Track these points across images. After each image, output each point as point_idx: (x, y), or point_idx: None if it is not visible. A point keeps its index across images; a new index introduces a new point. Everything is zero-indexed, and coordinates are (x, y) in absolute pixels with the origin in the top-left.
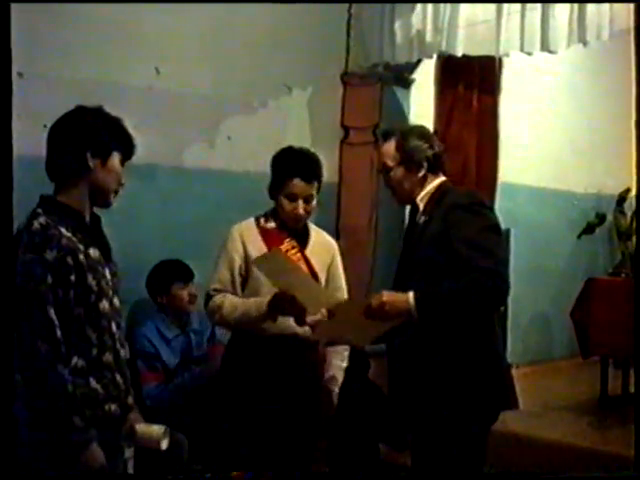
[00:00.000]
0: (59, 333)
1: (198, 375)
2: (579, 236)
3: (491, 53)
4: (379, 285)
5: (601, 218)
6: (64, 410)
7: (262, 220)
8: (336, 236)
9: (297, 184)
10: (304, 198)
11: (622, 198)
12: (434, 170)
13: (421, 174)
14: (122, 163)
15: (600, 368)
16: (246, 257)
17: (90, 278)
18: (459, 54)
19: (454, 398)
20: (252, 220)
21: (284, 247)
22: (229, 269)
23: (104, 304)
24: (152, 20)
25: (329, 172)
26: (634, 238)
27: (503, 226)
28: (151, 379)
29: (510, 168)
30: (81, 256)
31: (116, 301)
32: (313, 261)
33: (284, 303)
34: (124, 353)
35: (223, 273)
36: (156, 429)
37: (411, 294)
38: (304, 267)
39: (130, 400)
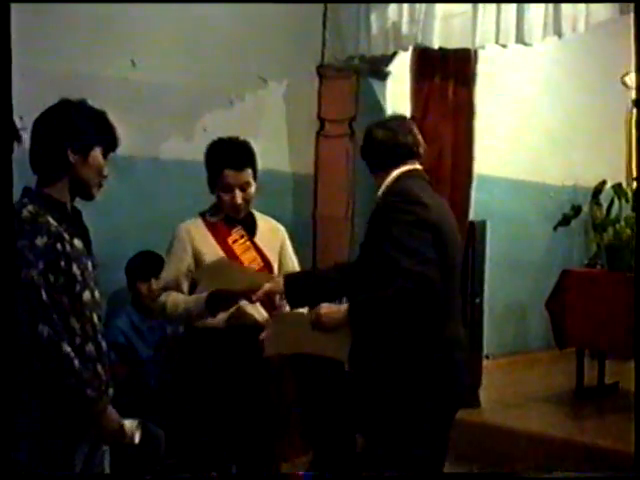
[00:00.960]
0: (55, 316)
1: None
2: (555, 228)
3: (467, 45)
4: None
5: (577, 210)
6: (76, 386)
7: (207, 215)
8: (313, 227)
9: (229, 174)
10: (239, 187)
11: (598, 190)
12: (392, 162)
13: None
14: (105, 156)
15: (576, 359)
16: (195, 254)
17: (75, 267)
18: (435, 46)
19: (402, 398)
20: (197, 217)
21: (233, 237)
22: (176, 267)
23: (87, 295)
24: (127, 12)
25: (305, 164)
26: (610, 229)
27: (479, 218)
28: (123, 371)
29: (487, 160)
30: (67, 245)
31: (97, 293)
32: (263, 247)
33: (219, 300)
34: (104, 345)
35: (169, 273)
36: (128, 424)
37: (344, 306)
38: (255, 254)
39: (111, 392)
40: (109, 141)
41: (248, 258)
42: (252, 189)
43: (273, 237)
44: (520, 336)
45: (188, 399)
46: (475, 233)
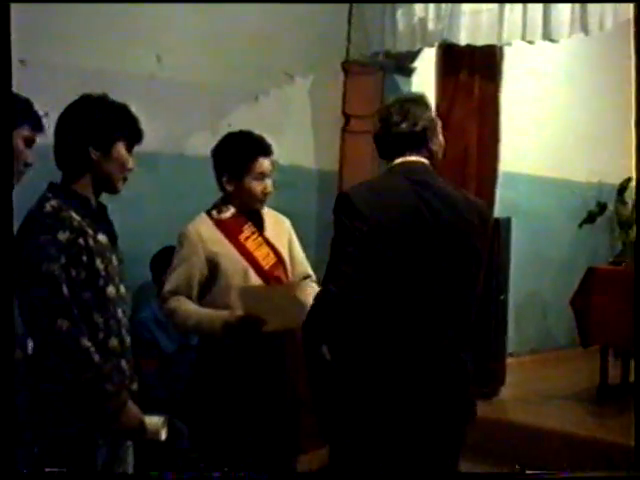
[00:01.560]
0: (75, 311)
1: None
2: (580, 225)
3: (493, 42)
4: None
5: (602, 207)
6: (94, 380)
7: (214, 213)
8: None
9: (263, 162)
10: (268, 176)
11: (623, 187)
12: (386, 152)
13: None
14: (129, 149)
15: (600, 357)
16: (207, 255)
17: (98, 262)
18: (462, 43)
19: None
20: (203, 215)
21: (245, 234)
22: (186, 272)
23: (111, 289)
24: (153, 8)
25: (330, 160)
26: (635, 227)
27: (504, 215)
28: (148, 366)
29: (511, 157)
30: (90, 240)
31: (122, 288)
32: (274, 241)
33: (244, 329)
34: (129, 340)
35: (177, 276)
36: (155, 420)
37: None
38: (267, 249)
39: (135, 386)
40: (132, 134)
41: (262, 254)
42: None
43: (280, 230)
44: (544, 334)
45: (210, 395)
46: (500, 230)
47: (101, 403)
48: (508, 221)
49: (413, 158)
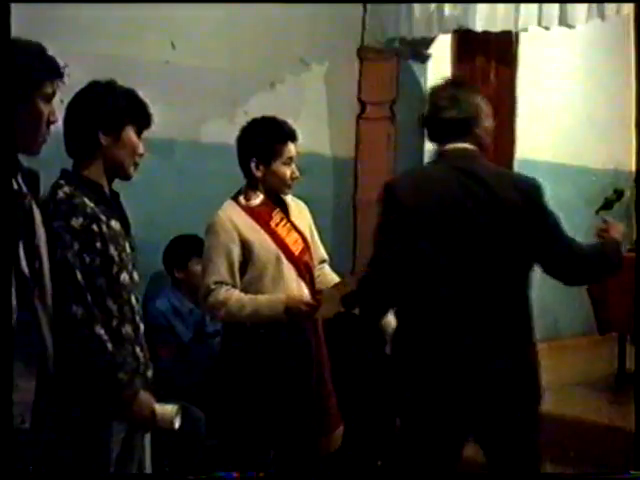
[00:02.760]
0: (89, 297)
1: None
2: (597, 212)
3: (510, 28)
4: None
5: (619, 194)
6: (107, 368)
7: (242, 199)
8: (353, 210)
9: (291, 147)
10: (294, 161)
11: None
12: (433, 137)
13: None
14: (139, 134)
15: (617, 344)
16: (242, 242)
17: (112, 249)
18: (478, 29)
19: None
20: (231, 202)
21: (274, 220)
22: (227, 259)
23: (125, 276)
24: None
25: (346, 147)
26: None
27: None
28: (165, 353)
29: (527, 144)
30: (104, 226)
31: (135, 275)
32: (299, 226)
33: (307, 311)
34: (143, 327)
35: (221, 265)
36: (169, 409)
37: None
38: (296, 235)
39: (149, 373)
40: (141, 119)
41: (292, 240)
42: None
43: (302, 215)
44: (561, 321)
45: (237, 381)
46: None
47: (113, 391)
48: None
49: (459, 145)
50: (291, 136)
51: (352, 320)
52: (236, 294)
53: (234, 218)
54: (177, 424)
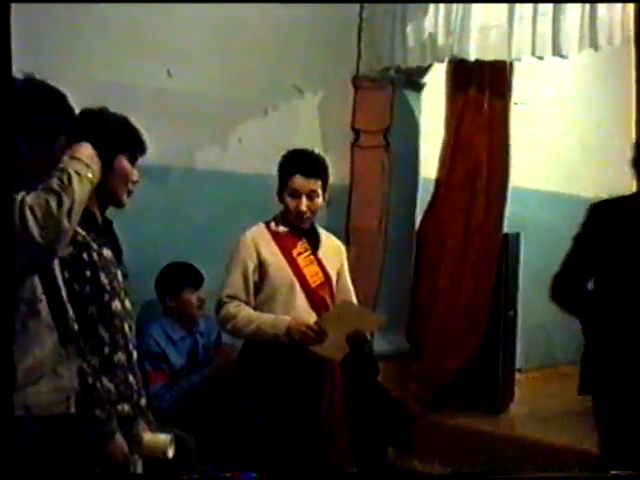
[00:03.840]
0: (76, 327)
1: (206, 376)
2: None
3: (503, 57)
4: (387, 287)
5: None
6: (86, 403)
7: (272, 224)
8: (346, 238)
9: (297, 180)
10: (307, 195)
11: None
12: None
13: None
14: (132, 162)
15: None
16: (260, 262)
17: (103, 277)
18: (471, 58)
19: None
20: (262, 225)
21: (298, 249)
22: (242, 276)
23: (116, 304)
24: (162, 22)
25: (340, 175)
26: None
27: (513, 230)
28: (157, 379)
29: (520, 172)
30: (95, 255)
31: (127, 303)
32: (325, 263)
33: (309, 335)
34: (136, 354)
35: (236, 280)
36: (162, 438)
37: None
38: (317, 268)
39: (143, 402)
40: (134, 146)
41: (310, 271)
42: (319, 200)
43: (335, 254)
44: (553, 349)
45: (239, 408)
46: (509, 245)
47: (88, 427)
48: (517, 236)
49: None
50: (299, 169)
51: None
52: (245, 310)
53: (257, 238)
54: (171, 453)
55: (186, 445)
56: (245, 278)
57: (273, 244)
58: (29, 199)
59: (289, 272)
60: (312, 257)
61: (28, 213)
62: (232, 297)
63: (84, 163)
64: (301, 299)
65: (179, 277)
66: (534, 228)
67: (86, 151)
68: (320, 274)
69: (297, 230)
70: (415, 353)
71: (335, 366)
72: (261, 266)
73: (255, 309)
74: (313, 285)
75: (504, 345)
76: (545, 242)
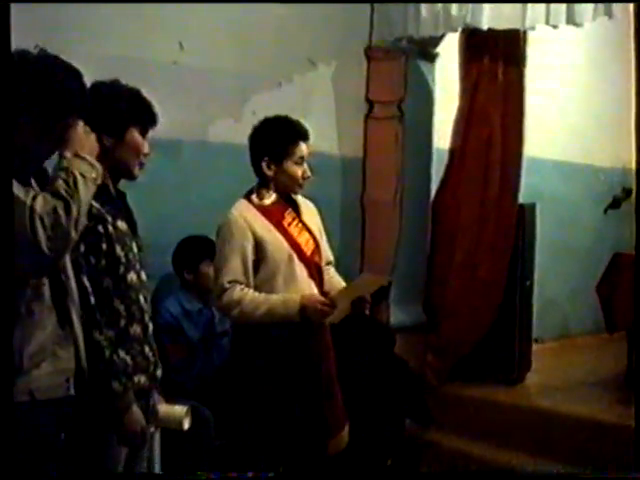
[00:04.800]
0: (93, 300)
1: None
2: (605, 211)
3: (517, 26)
4: (403, 260)
5: (627, 192)
6: (103, 376)
7: (255, 198)
8: (361, 211)
9: (302, 147)
10: (306, 161)
11: None
12: None
13: None
14: (143, 134)
15: (627, 343)
16: (256, 241)
17: (119, 249)
18: (484, 27)
19: None
20: (244, 201)
21: (287, 220)
22: (241, 259)
23: (132, 276)
24: None
25: (354, 146)
26: None
27: (529, 201)
28: (175, 353)
29: (535, 142)
30: (110, 227)
31: (143, 275)
32: (310, 226)
33: (324, 312)
34: (152, 326)
35: (235, 264)
36: (178, 410)
37: None
38: (308, 235)
39: (159, 373)
40: (145, 119)
41: (304, 240)
42: None
43: (313, 215)
44: (570, 319)
45: (242, 385)
46: (525, 216)
47: (106, 400)
48: (533, 207)
49: None
50: (302, 135)
51: (360, 321)
52: (250, 293)
53: (247, 217)
54: (186, 425)
55: (203, 417)
56: (244, 261)
57: (263, 219)
58: (38, 206)
59: (286, 245)
60: (301, 225)
61: (38, 224)
62: (233, 282)
63: (88, 162)
64: (300, 270)
65: (197, 250)
66: (550, 199)
67: (90, 146)
68: (311, 240)
69: (281, 200)
70: (432, 325)
71: (330, 350)
72: (258, 245)
73: (255, 289)
74: (308, 253)
75: (521, 316)
76: (561, 213)
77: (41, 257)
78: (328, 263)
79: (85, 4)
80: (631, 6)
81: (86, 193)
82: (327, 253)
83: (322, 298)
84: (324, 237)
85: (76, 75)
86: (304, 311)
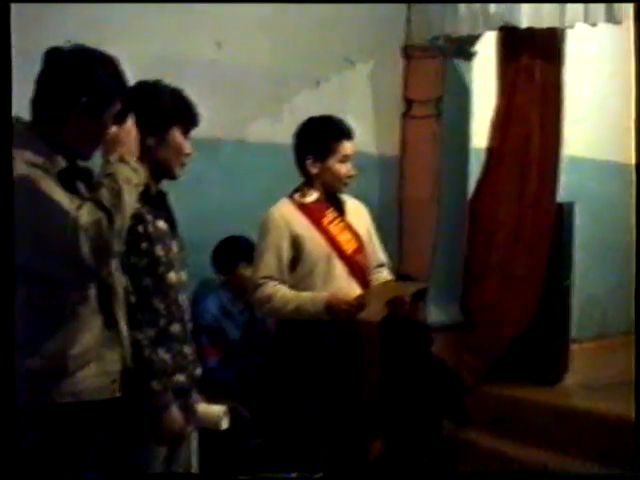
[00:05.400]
0: (133, 299)
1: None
2: None
3: (555, 25)
4: (440, 258)
5: None
6: (142, 375)
7: (297, 197)
8: (398, 209)
9: (347, 145)
10: (350, 159)
11: None
12: None
13: None
14: (185, 134)
15: None
16: (294, 238)
17: (159, 249)
18: (523, 26)
19: None
20: (286, 200)
21: (328, 218)
22: (276, 255)
23: (172, 275)
24: None
25: (391, 145)
26: None
27: (568, 199)
28: (214, 354)
29: (574, 141)
30: (150, 227)
31: (183, 274)
32: (355, 226)
33: (350, 311)
34: (191, 325)
35: (269, 260)
36: (216, 410)
37: None
38: (350, 234)
39: (198, 372)
40: (188, 119)
41: (345, 239)
42: None
43: (361, 216)
44: (608, 319)
45: (285, 384)
46: (563, 215)
47: (145, 399)
48: (571, 206)
49: None
50: (347, 134)
51: (397, 320)
52: (282, 290)
53: (286, 215)
54: (224, 425)
55: (241, 416)
56: (279, 258)
57: (303, 217)
58: (83, 218)
59: (324, 243)
60: (343, 224)
61: (82, 236)
62: (267, 278)
63: (132, 167)
64: (339, 268)
65: (234, 251)
66: (589, 197)
67: (133, 145)
68: (353, 239)
69: (324, 198)
70: (469, 324)
71: (375, 351)
72: (295, 242)
73: (293, 286)
74: (349, 252)
75: (559, 316)
76: (600, 212)
77: (84, 268)
78: (380, 265)
79: (121, 4)
80: (631, 6)
81: (130, 200)
82: (378, 254)
83: (349, 298)
84: (375, 239)
85: (112, 62)
86: (330, 309)
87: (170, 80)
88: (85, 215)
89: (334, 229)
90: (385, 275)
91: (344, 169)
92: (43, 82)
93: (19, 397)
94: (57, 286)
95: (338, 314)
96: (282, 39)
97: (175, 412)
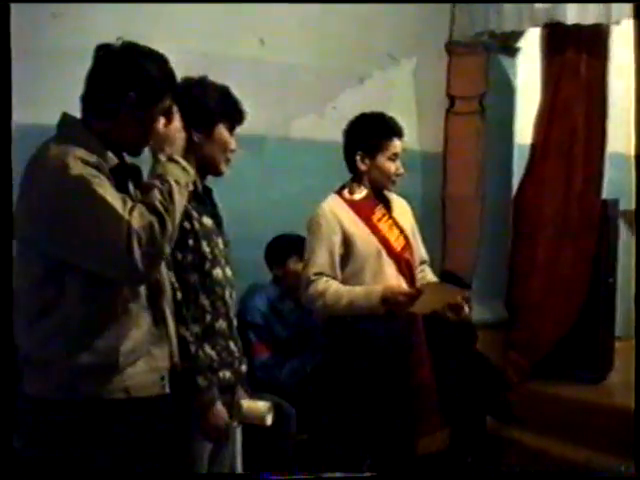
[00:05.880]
0: (179, 296)
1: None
2: None
3: (602, 21)
4: (485, 256)
5: None
6: (188, 371)
7: (346, 193)
8: (442, 206)
9: (396, 143)
10: (399, 157)
11: None
12: None
13: None
14: (231, 131)
15: None
16: (345, 235)
17: (205, 245)
18: (569, 22)
19: None
20: (335, 196)
21: (377, 215)
22: (328, 251)
23: (218, 272)
24: None
25: (434, 142)
26: None
27: (612, 196)
28: (262, 351)
29: (618, 137)
30: (196, 223)
31: (228, 270)
32: (402, 223)
33: (405, 302)
34: (236, 322)
35: (322, 256)
36: (261, 406)
37: None
38: (397, 232)
39: (244, 368)
40: (233, 115)
41: (393, 236)
42: None
43: (406, 212)
44: None
45: (333, 381)
46: (608, 211)
47: (191, 395)
48: (616, 202)
49: None
50: (397, 132)
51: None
52: (334, 285)
53: (337, 211)
54: (269, 421)
55: (286, 413)
56: (331, 254)
57: (352, 214)
58: (135, 222)
59: (374, 240)
60: (391, 221)
61: (134, 241)
62: (319, 274)
63: (181, 167)
64: (389, 265)
65: (285, 246)
66: (632, 194)
67: (181, 141)
68: (401, 237)
69: (372, 195)
70: (514, 321)
71: (423, 347)
72: (346, 239)
73: (343, 282)
74: (398, 249)
75: (603, 313)
76: None
77: (136, 272)
78: (423, 262)
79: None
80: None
81: (180, 202)
82: (421, 252)
83: (405, 289)
84: (418, 236)
85: (162, 58)
86: (386, 302)
87: (214, 77)
88: (137, 218)
89: (383, 226)
90: (429, 272)
91: (393, 167)
92: (93, 78)
93: (71, 392)
94: (109, 283)
95: (394, 306)
96: (325, 36)
97: (220, 408)
